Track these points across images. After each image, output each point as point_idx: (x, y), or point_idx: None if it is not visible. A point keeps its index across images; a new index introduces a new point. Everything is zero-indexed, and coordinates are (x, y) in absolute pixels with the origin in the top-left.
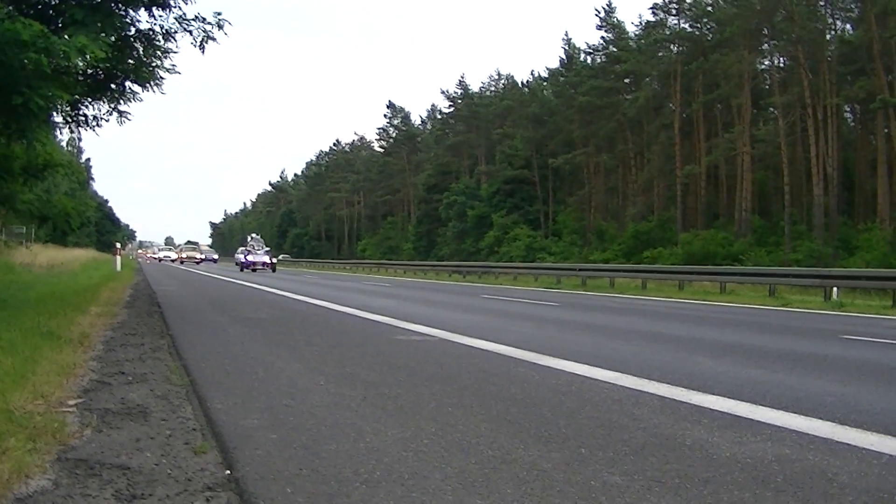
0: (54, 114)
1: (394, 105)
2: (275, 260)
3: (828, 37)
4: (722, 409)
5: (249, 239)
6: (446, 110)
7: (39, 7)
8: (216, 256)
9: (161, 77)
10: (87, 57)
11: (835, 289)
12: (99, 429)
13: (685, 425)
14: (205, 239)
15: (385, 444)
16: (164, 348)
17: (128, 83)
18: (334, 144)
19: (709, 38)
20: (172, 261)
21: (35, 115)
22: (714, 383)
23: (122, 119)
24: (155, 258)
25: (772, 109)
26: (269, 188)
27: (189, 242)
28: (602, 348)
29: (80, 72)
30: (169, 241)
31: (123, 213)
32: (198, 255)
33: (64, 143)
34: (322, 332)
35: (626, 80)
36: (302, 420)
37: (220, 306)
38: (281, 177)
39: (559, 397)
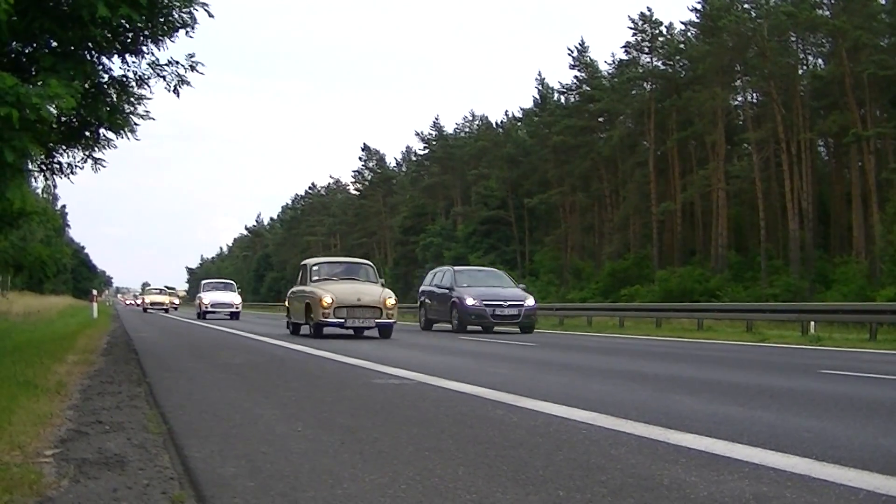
0: (28, 162)
1: (369, 147)
2: None
3: (800, 72)
4: (699, 448)
5: None
6: (421, 152)
7: (13, 55)
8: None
9: (135, 123)
10: (59, 106)
11: (812, 323)
12: (76, 479)
13: (663, 465)
14: (181, 284)
15: (363, 489)
16: (141, 396)
17: (102, 130)
18: (310, 188)
19: (682, 76)
20: (234, 314)
21: (9, 166)
22: (691, 421)
23: (97, 166)
24: (151, 306)
25: (746, 145)
26: (245, 232)
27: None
28: (579, 388)
29: (54, 120)
30: (146, 287)
31: (99, 260)
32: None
33: (39, 191)
34: (299, 376)
35: (600, 119)
36: (279, 467)
37: (197, 352)
38: (257, 221)
39: (536, 439)
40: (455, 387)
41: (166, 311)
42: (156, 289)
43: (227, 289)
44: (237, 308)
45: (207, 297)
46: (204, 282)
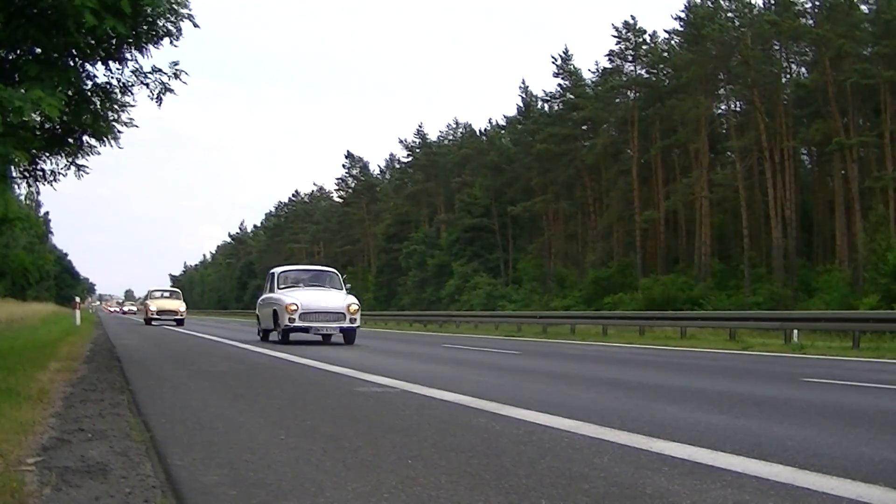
0: (11, 169)
1: (352, 155)
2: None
3: (783, 80)
4: (682, 456)
5: None
6: (405, 159)
7: None
8: None
9: (119, 131)
10: (43, 111)
11: (795, 331)
12: (58, 487)
13: (646, 473)
14: None
15: (345, 498)
16: (123, 404)
17: (85, 137)
18: (293, 195)
19: (665, 84)
20: (347, 332)
21: None
22: (675, 430)
23: (81, 173)
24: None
25: (729, 153)
26: (229, 240)
27: None
28: (563, 396)
29: (37, 126)
30: (129, 295)
31: (83, 267)
32: None
33: (22, 198)
34: (282, 384)
35: (584, 127)
36: (262, 475)
37: (180, 360)
38: (240, 228)
39: (520, 447)
40: (438, 395)
41: (180, 322)
42: (164, 291)
43: (328, 283)
44: (354, 320)
45: (297, 300)
46: (279, 271)
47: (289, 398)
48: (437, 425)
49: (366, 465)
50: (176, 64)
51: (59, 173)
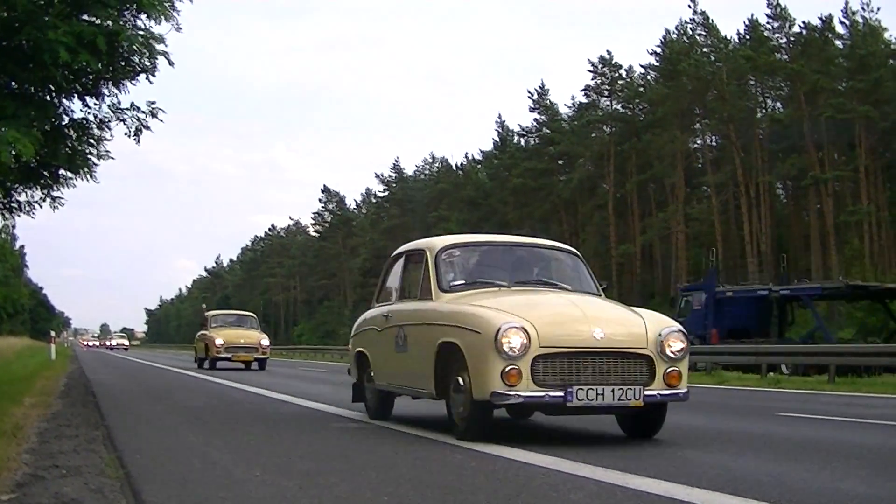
0: None
1: (329, 189)
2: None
3: (758, 115)
4: (658, 493)
5: None
6: (381, 194)
7: None
8: None
9: (94, 164)
10: (19, 152)
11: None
12: None
13: None
14: (141, 326)
15: None
16: (98, 439)
17: (61, 171)
18: (269, 229)
19: (641, 119)
20: None
21: None
22: (650, 466)
23: (56, 204)
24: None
25: (705, 188)
26: (205, 274)
27: None
28: (538, 432)
29: (12, 162)
30: (105, 329)
31: (58, 301)
32: None
33: None
34: (257, 420)
35: (560, 162)
36: None
37: (156, 395)
38: (216, 262)
39: (496, 484)
40: (414, 431)
41: None
42: None
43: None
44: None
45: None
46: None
47: (264, 434)
48: (414, 462)
49: (341, 502)
50: (153, 103)
51: (34, 204)
